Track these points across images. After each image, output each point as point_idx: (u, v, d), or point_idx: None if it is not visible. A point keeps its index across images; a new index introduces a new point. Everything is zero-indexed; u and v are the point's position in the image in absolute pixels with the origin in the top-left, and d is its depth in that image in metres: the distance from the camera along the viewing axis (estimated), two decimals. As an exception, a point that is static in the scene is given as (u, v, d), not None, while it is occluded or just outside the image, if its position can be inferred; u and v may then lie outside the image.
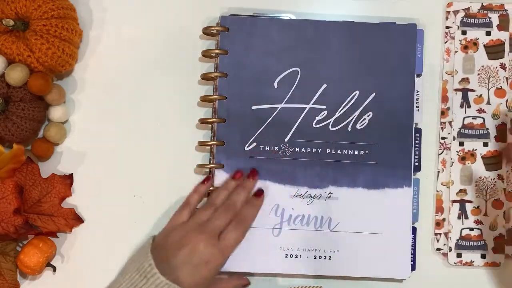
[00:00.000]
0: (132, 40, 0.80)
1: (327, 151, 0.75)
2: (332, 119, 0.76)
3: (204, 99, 0.77)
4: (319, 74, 0.76)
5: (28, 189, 0.76)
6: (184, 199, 0.75)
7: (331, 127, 0.76)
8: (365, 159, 0.75)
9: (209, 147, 0.77)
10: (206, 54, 0.77)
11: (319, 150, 0.75)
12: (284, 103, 0.75)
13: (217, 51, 0.76)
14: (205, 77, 0.76)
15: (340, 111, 0.76)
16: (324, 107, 0.76)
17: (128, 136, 0.79)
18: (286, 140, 0.75)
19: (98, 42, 0.80)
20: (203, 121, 0.76)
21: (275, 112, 0.75)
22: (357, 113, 0.76)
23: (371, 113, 0.76)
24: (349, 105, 0.76)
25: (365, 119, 0.76)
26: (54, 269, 0.77)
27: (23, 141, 0.75)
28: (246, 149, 0.75)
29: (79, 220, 0.77)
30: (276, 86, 0.76)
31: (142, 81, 0.79)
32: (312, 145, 0.75)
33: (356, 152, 0.75)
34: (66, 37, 0.74)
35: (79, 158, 0.79)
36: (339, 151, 0.75)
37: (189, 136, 0.78)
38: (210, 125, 0.77)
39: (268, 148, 0.75)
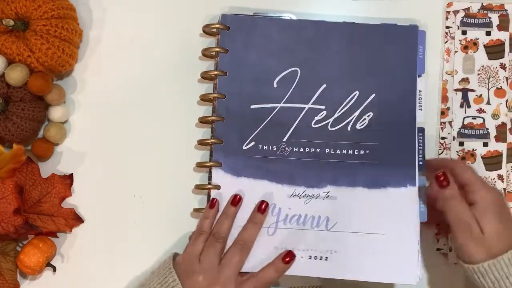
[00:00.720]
0: (132, 40, 0.80)
1: (326, 151, 0.75)
2: (331, 119, 0.75)
3: (204, 98, 0.77)
4: (319, 74, 0.76)
5: (28, 189, 0.76)
6: (196, 227, 0.74)
7: (330, 127, 0.75)
8: (365, 158, 0.74)
9: (209, 146, 0.76)
10: (206, 53, 0.77)
11: (318, 150, 0.75)
12: (283, 103, 0.75)
13: (217, 49, 0.76)
14: (205, 76, 0.76)
15: (340, 111, 0.75)
16: (323, 107, 0.75)
17: (128, 135, 0.79)
18: (284, 139, 0.75)
19: (98, 42, 0.80)
20: (202, 120, 0.76)
21: (274, 112, 0.75)
22: (356, 113, 0.75)
23: (371, 113, 0.75)
24: (348, 105, 0.75)
25: (365, 119, 0.75)
26: (54, 269, 0.77)
27: (23, 141, 0.76)
28: (244, 148, 0.75)
29: (79, 220, 0.77)
30: (275, 85, 0.75)
31: (142, 80, 0.79)
32: (311, 145, 0.75)
33: (355, 152, 0.75)
34: (66, 37, 0.74)
35: (79, 158, 0.79)
36: (338, 151, 0.75)
37: (189, 135, 0.78)
38: (210, 124, 0.77)
39: (266, 147, 0.75)
